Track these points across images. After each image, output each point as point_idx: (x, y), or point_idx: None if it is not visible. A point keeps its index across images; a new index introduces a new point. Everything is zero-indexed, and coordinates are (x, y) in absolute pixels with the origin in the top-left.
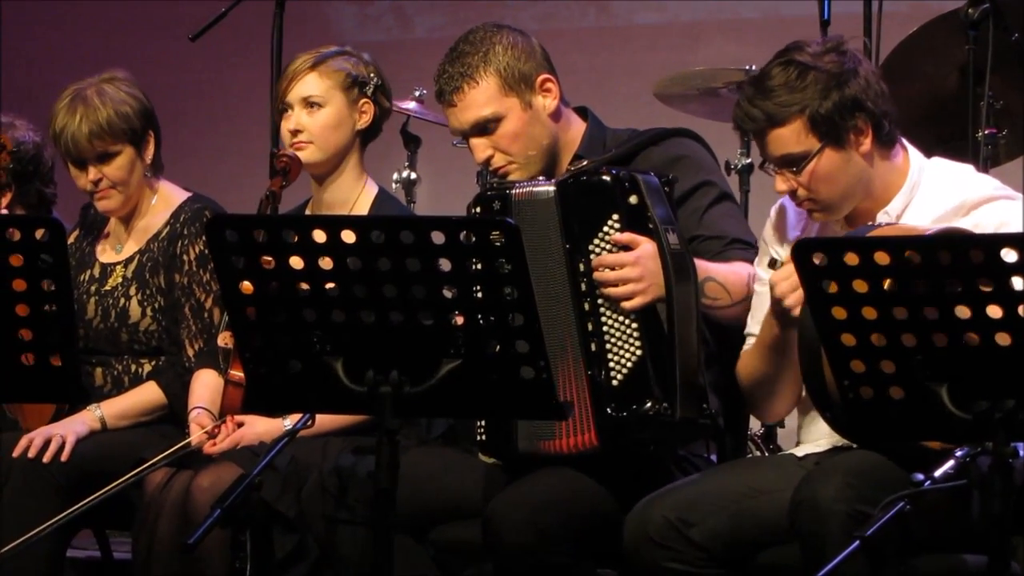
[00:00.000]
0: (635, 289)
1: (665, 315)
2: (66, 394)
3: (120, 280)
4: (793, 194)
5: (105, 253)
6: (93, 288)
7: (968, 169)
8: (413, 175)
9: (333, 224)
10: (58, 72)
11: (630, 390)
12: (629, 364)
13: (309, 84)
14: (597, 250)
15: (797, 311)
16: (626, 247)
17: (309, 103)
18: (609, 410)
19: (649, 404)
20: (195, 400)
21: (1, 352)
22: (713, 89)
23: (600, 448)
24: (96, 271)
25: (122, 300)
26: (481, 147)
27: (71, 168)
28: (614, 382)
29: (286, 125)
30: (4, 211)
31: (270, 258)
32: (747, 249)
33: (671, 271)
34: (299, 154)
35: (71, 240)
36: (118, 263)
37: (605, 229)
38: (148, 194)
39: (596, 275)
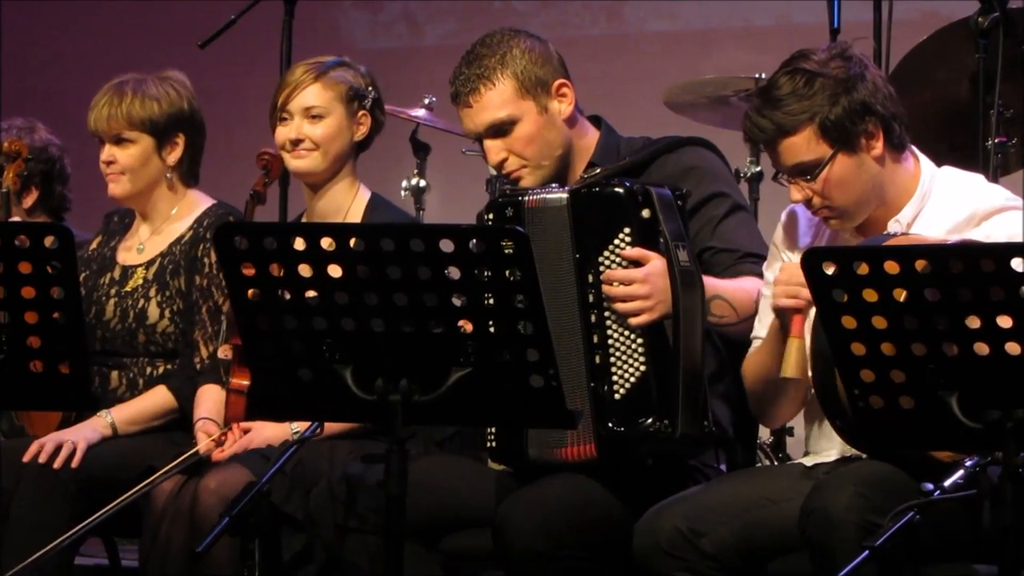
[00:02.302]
0: (643, 306)
1: (671, 332)
2: (74, 402)
3: (141, 281)
4: (808, 203)
5: (126, 255)
6: (113, 290)
7: (979, 179)
8: (423, 183)
9: (342, 232)
10: (69, 77)
11: (631, 405)
12: (632, 379)
13: (312, 95)
14: (607, 262)
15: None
16: (636, 263)
17: (311, 114)
18: (610, 424)
19: (650, 421)
20: (200, 412)
21: (10, 359)
22: (724, 97)
23: (599, 460)
24: (116, 273)
25: (141, 301)
26: (495, 150)
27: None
28: (616, 396)
29: (285, 133)
30: (24, 213)
31: (279, 266)
32: (758, 262)
33: (679, 289)
34: (301, 162)
35: (93, 246)
36: (139, 265)
37: (616, 242)
38: (171, 198)
39: (605, 289)
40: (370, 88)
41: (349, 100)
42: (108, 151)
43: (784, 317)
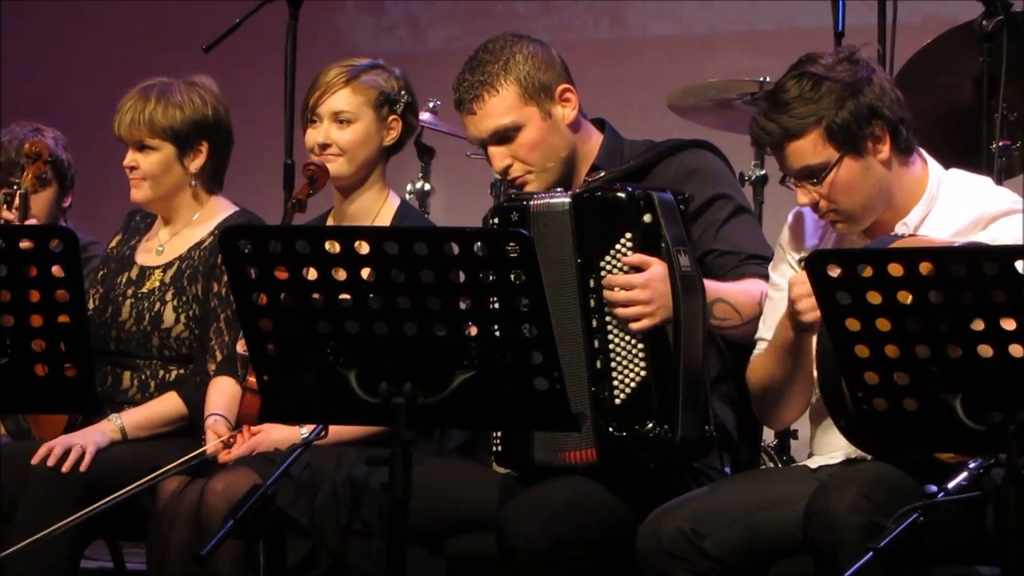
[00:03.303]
0: (643, 311)
1: (672, 337)
2: (80, 405)
3: (158, 284)
4: (815, 206)
5: (145, 256)
6: (130, 291)
7: (986, 182)
8: (427, 186)
9: (347, 235)
10: (74, 81)
11: (632, 410)
12: (633, 384)
13: (341, 99)
14: (608, 267)
15: (812, 324)
16: (637, 268)
17: (340, 119)
18: (610, 429)
19: (650, 426)
20: (211, 407)
21: (15, 362)
22: (727, 100)
23: (599, 464)
24: (134, 273)
25: (157, 304)
26: (500, 156)
27: None
28: (616, 401)
29: (314, 136)
30: (33, 219)
31: (284, 269)
32: (762, 264)
33: (680, 294)
34: (328, 166)
35: (112, 244)
36: (157, 267)
37: (618, 247)
38: (193, 204)
39: (606, 294)
40: (403, 92)
41: (379, 105)
42: (131, 156)
43: (807, 331)
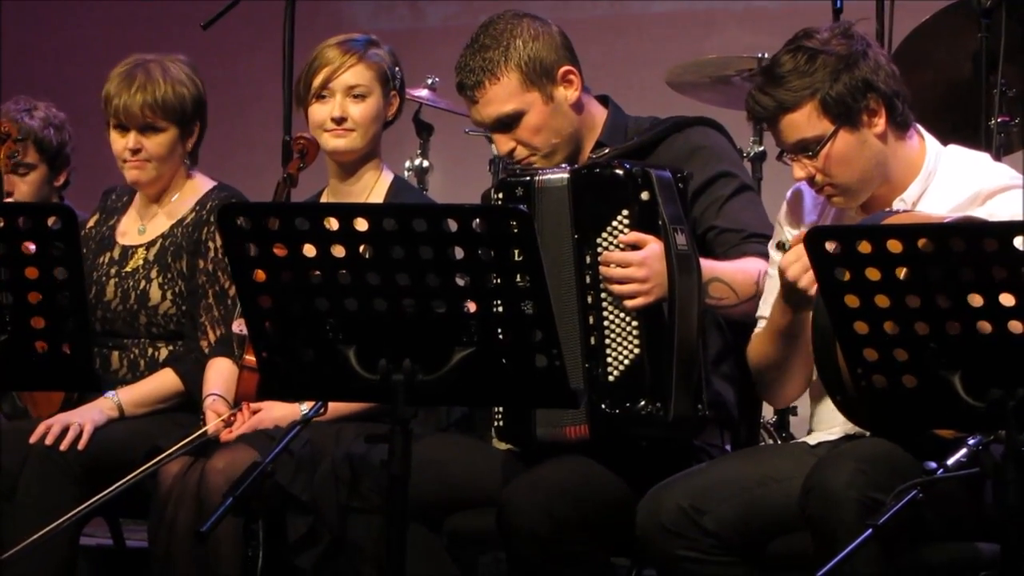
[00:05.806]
0: (639, 289)
1: (667, 315)
2: (78, 382)
3: (141, 262)
4: (811, 181)
5: (126, 235)
6: (113, 270)
7: (984, 157)
8: (425, 163)
9: (346, 212)
10: (70, 63)
11: (625, 387)
12: (626, 361)
13: (356, 74)
14: (605, 244)
15: (813, 291)
16: (634, 246)
17: (354, 93)
18: (603, 406)
19: (643, 403)
20: (209, 387)
21: (14, 340)
22: (726, 77)
23: (591, 440)
24: (116, 253)
25: (143, 283)
26: (503, 142)
27: (112, 132)
28: (610, 378)
29: (326, 110)
30: (11, 198)
31: (283, 246)
32: (764, 242)
33: (675, 273)
34: (341, 141)
35: (90, 224)
36: (140, 245)
37: (615, 224)
38: (181, 181)
39: (602, 270)
40: (397, 67)
41: (385, 80)
42: (134, 139)
43: (800, 300)
